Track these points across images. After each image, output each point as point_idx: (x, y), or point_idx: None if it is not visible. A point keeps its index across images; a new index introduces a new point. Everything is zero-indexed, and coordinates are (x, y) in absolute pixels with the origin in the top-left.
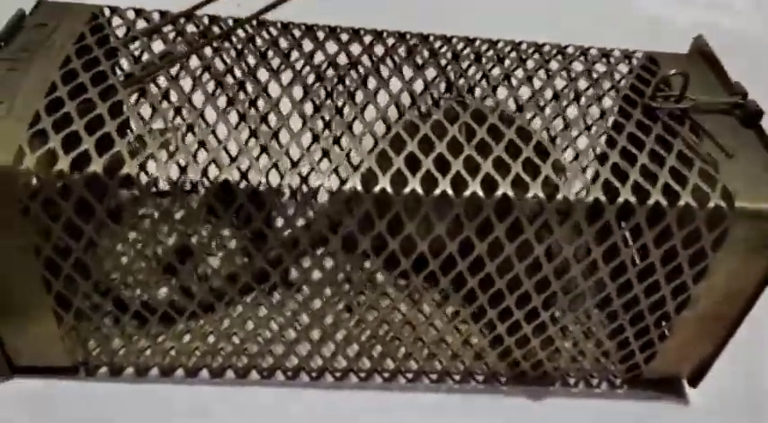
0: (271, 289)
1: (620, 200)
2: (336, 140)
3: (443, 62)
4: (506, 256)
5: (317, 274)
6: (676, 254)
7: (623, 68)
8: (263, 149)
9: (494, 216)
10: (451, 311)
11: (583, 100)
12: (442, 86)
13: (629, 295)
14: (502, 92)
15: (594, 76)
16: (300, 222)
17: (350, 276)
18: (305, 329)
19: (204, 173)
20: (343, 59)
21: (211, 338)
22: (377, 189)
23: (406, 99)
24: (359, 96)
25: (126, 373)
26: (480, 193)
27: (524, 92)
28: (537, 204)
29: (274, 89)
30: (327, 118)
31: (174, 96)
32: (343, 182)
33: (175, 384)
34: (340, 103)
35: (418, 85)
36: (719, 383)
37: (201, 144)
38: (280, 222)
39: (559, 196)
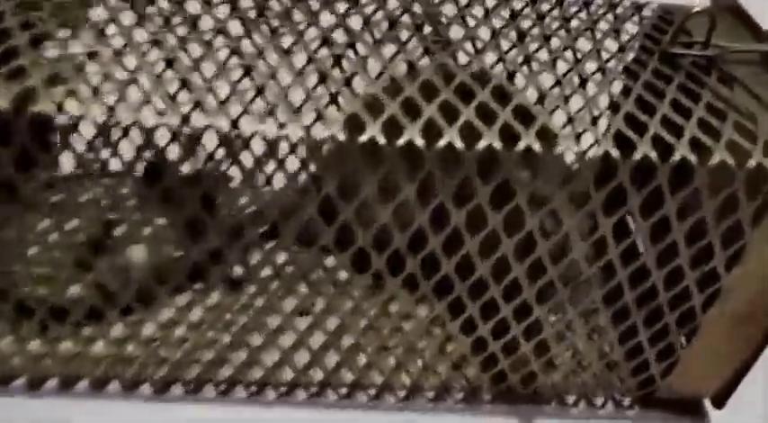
0: (206, 287)
1: (638, 155)
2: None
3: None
4: (491, 230)
5: (260, 269)
6: (706, 229)
7: (634, 18)
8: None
9: (475, 175)
10: (423, 310)
11: (587, 47)
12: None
13: (645, 285)
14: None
15: (601, 25)
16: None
17: (299, 269)
18: (243, 333)
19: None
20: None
21: (127, 344)
22: (324, 135)
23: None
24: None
25: (15, 385)
26: (458, 143)
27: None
28: (531, 159)
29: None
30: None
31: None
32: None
33: (78, 399)
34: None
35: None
36: (748, 404)
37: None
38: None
39: (559, 148)
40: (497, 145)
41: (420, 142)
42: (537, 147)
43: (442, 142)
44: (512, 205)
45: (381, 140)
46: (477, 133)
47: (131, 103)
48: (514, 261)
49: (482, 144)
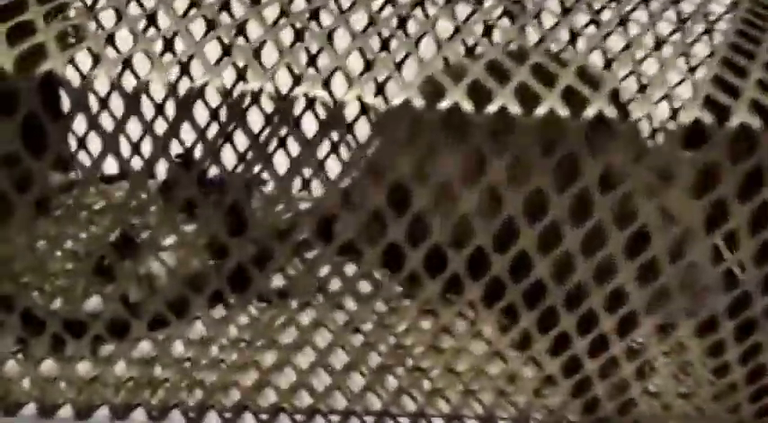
0: (244, 299)
1: None
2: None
3: None
4: (597, 221)
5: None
6: None
7: None
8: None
9: (584, 149)
10: (498, 322)
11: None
12: None
13: None
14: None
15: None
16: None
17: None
18: (288, 353)
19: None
20: None
21: (153, 365)
22: (397, 101)
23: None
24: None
25: (24, 413)
26: (562, 110)
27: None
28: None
29: None
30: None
31: None
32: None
33: None
34: None
35: None
36: None
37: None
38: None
39: (687, 118)
40: (610, 112)
41: (515, 109)
42: (661, 116)
43: (541, 109)
44: (623, 189)
45: (468, 107)
46: (580, 99)
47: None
48: (624, 259)
49: (591, 111)
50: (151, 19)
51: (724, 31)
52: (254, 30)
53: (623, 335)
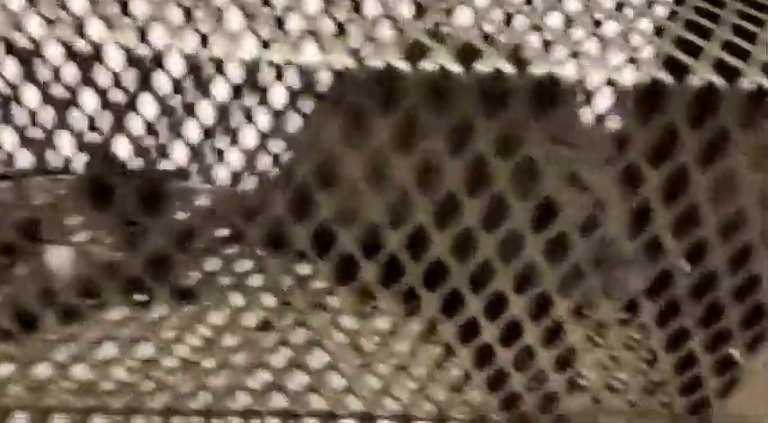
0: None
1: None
2: None
3: None
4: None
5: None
6: None
7: None
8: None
9: (475, 106)
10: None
11: None
12: None
13: (705, 264)
14: None
15: None
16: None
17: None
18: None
19: None
20: None
21: (41, 367)
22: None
23: None
24: None
25: None
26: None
27: None
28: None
29: None
30: None
31: None
32: None
33: None
34: None
35: None
36: None
37: None
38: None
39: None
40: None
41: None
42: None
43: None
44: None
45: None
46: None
47: None
48: (529, 235)
49: (484, 66)
50: None
51: None
52: None
53: (536, 319)
